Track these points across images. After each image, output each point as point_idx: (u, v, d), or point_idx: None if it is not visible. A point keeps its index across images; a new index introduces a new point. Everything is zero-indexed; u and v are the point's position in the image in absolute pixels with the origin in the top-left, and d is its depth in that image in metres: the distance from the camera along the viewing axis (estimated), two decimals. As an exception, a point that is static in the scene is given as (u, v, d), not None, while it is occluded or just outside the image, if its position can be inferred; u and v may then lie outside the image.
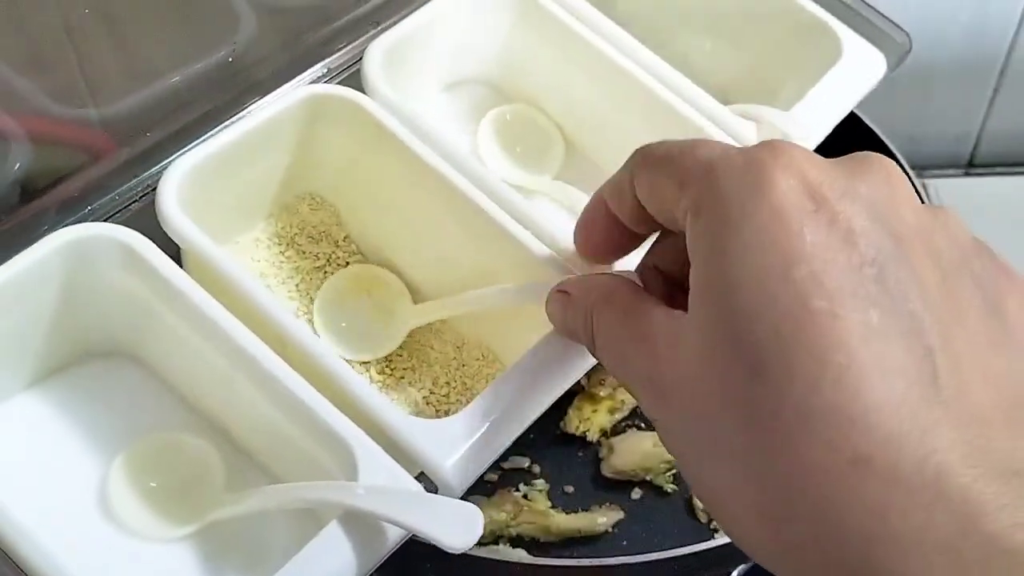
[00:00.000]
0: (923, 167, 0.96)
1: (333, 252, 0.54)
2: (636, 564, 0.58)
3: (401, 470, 0.42)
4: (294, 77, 0.55)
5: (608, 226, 0.40)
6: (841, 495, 0.27)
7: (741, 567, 0.69)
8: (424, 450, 0.42)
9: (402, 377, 0.52)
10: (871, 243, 0.29)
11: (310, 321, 0.52)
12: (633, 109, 0.56)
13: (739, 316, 0.29)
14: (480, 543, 0.64)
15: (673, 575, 0.60)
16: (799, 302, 0.28)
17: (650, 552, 0.58)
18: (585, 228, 0.43)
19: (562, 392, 0.46)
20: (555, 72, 0.58)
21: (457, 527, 0.40)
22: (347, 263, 0.54)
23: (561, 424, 0.70)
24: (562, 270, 0.47)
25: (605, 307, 0.37)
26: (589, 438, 0.69)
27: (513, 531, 0.65)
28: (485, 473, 0.68)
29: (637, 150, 0.37)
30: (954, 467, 0.26)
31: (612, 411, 0.70)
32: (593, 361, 0.45)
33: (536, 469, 0.69)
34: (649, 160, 0.36)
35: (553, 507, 0.66)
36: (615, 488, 0.68)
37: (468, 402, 0.44)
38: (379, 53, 0.53)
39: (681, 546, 0.58)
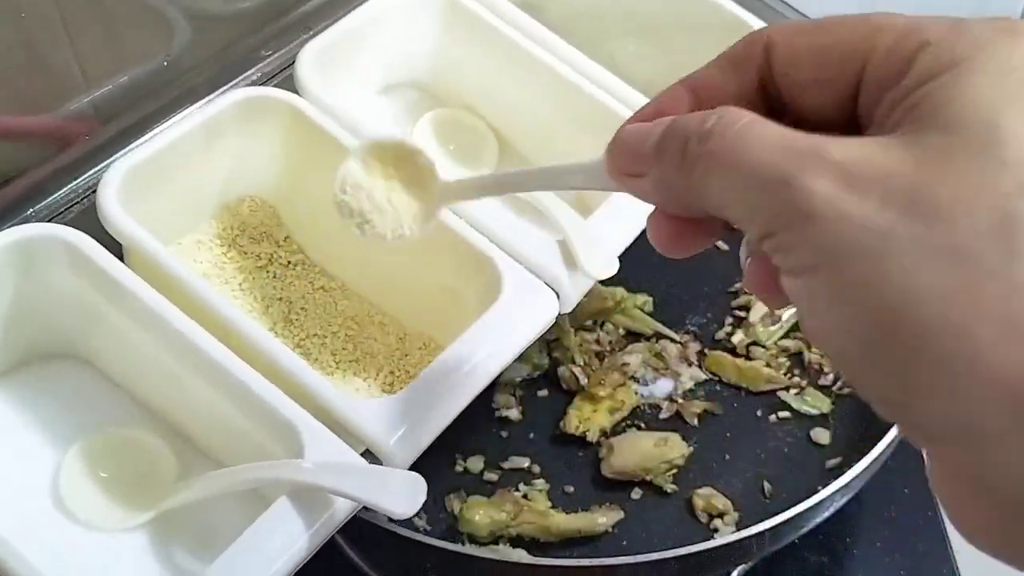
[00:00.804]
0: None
1: (275, 252, 0.55)
2: (636, 564, 0.58)
3: (346, 447, 0.43)
4: (230, 81, 0.56)
5: None
6: None
7: (740, 567, 0.69)
8: (367, 428, 0.44)
9: (347, 369, 0.52)
10: None
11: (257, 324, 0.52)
12: (561, 107, 0.57)
13: (1013, 132, 0.27)
14: (480, 543, 0.65)
15: (673, 575, 0.60)
16: None
17: (650, 552, 0.58)
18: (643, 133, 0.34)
19: (499, 369, 0.48)
20: (486, 74, 0.60)
21: (402, 495, 0.42)
22: (289, 262, 0.55)
23: (561, 424, 0.70)
24: (506, 266, 0.49)
25: (736, 111, 0.31)
26: (589, 438, 0.69)
27: (513, 531, 0.65)
28: (485, 473, 0.69)
29: (761, 31, 0.33)
30: None
31: (612, 411, 0.70)
32: (528, 340, 0.47)
33: (536, 469, 0.69)
34: (808, 28, 0.32)
35: (553, 507, 0.66)
36: (615, 488, 0.68)
37: None
38: (311, 56, 0.54)
39: (681, 546, 0.58)
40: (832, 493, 0.60)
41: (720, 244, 0.79)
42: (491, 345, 0.48)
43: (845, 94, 0.31)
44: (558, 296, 0.51)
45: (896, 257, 0.27)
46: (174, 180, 0.52)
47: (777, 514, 0.59)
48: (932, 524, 0.73)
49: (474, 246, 0.51)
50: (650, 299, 0.76)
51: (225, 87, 0.56)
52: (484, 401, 0.72)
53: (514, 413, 0.71)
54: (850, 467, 0.61)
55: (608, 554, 0.61)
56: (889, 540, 0.72)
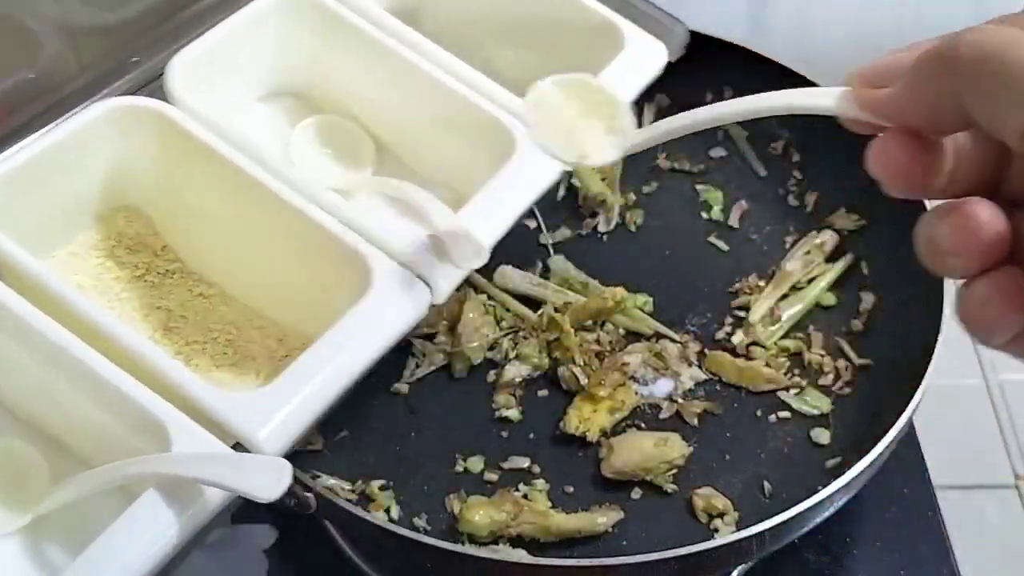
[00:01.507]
0: (923, 167, 0.96)
1: (152, 261, 0.56)
2: (636, 564, 0.58)
3: (214, 439, 0.44)
4: (100, 92, 0.56)
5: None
6: None
7: (740, 567, 0.69)
8: (235, 421, 0.45)
9: (228, 373, 0.53)
10: None
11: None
12: (434, 109, 0.59)
13: None
14: (480, 543, 0.65)
15: (673, 575, 0.60)
16: None
17: (650, 552, 0.58)
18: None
19: (370, 360, 0.49)
20: (361, 80, 0.61)
21: (265, 479, 0.43)
22: (167, 271, 0.56)
23: (561, 424, 0.70)
24: (376, 261, 0.51)
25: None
26: (589, 438, 0.69)
27: (513, 531, 0.65)
28: (485, 473, 0.69)
29: (941, 50, 0.34)
30: None
31: (612, 411, 0.70)
32: (399, 332, 0.50)
33: (536, 469, 0.69)
34: (987, 53, 0.32)
35: (553, 507, 0.66)
36: (615, 488, 0.68)
37: None
38: (180, 66, 0.55)
39: (681, 546, 0.58)
40: (832, 493, 0.60)
41: (720, 244, 0.79)
42: (361, 337, 0.49)
43: None
44: (430, 288, 0.52)
45: None
46: (45, 192, 0.52)
47: (777, 514, 0.59)
48: (932, 524, 0.73)
49: (344, 243, 0.52)
50: (650, 299, 0.76)
51: (96, 98, 0.56)
52: (484, 401, 0.72)
53: (514, 413, 0.71)
54: (850, 467, 0.61)
55: (608, 554, 0.61)
56: (889, 540, 0.72)
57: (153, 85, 0.56)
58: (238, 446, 0.45)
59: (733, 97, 0.43)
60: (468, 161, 0.59)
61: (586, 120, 0.50)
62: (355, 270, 0.51)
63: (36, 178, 0.52)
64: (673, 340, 0.74)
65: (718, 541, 0.59)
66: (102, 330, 0.46)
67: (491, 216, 0.55)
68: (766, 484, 0.68)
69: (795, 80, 0.79)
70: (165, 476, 0.43)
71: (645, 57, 0.64)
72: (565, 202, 0.83)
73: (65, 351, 0.45)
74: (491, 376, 0.73)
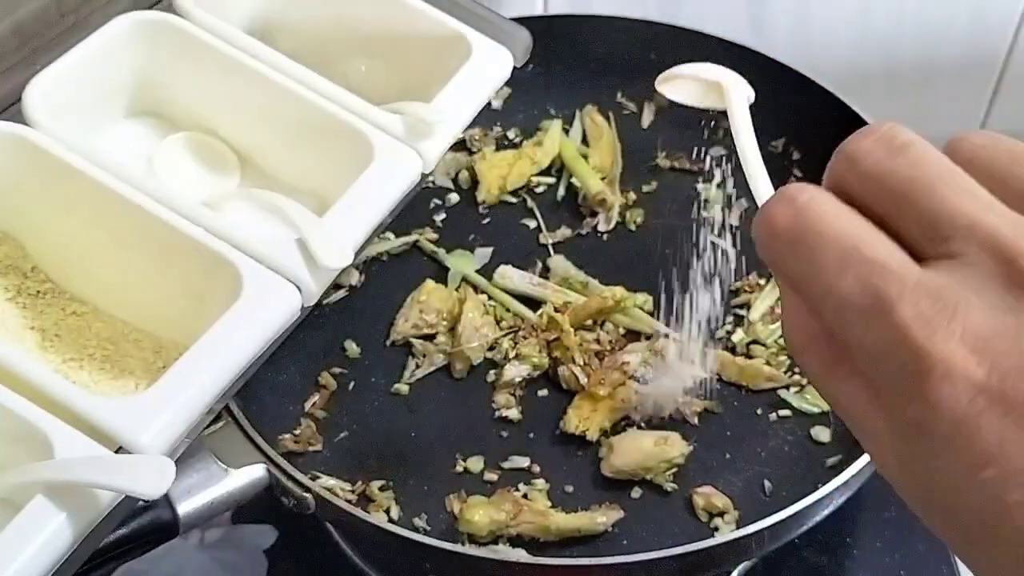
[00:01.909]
0: (923, 167, 0.96)
1: (23, 283, 0.56)
2: (636, 564, 0.58)
3: (95, 444, 0.45)
4: None
5: None
6: None
7: (740, 566, 0.69)
8: (118, 426, 0.46)
9: (107, 388, 0.53)
10: None
11: None
12: (292, 121, 0.61)
13: (942, 510, 0.31)
14: (480, 543, 0.65)
15: (673, 575, 0.60)
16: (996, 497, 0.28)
17: (650, 552, 0.58)
18: None
19: (245, 362, 0.51)
20: (220, 97, 0.63)
21: (149, 477, 0.43)
22: (38, 292, 0.56)
23: (561, 424, 0.70)
24: (245, 266, 0.52)
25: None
26: (589, 438, 0.69)
27: (513, 531, 0.65)
28: (485, 473, 0.68)
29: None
30: None
31: (612, 411, 0.70)
32: (272, 333, 0.52)
33: (536, 469, 0.69)
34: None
35: (553, 507, 0.66)
36: (615, 488, 0.68)
37: None
38: (38, 89, 0.56)
39: (681, 545, 0.58)
40: (832, 491, 0.60)
41: (722, 242, 0.79)
42: (235, 340, 0.50)
43: None
44: (300, 291, 0.53)
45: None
46: None
47: (777, 512, 0.59)
48: (932, 523, 0.73)
49: (212, 251, 0.53)
50: (650, 298, 0.76)
51: None
52: (484, 401, 0.72)
53: (514, 413, 0.71)
54: (850, 465, 0.61)
55: (608, 553, 0.61)
56: (889, 540, 0.72)
57: (12, 110, 0.57)
58: (121, 451, 0.46)
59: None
60: (329, 169, 0.60)
61: None
62: (225, 277, 0.52)
63: None
64: (674, 339, 0.74)
65: (718, 540, 0.59)
66: None
67: (354, 219, 0.57)
68: (766, 482, 0.68)
69: (795, 79, 0.79)
70: (50, 482, 0.43)
71: (492, 64, 0.66)
72: (565, 202, 0.83)
73: None
74: (491, 376, 0.73)
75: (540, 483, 0.68)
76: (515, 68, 0.68)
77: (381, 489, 0.67)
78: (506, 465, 0.69)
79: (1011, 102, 0.98)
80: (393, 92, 0.66)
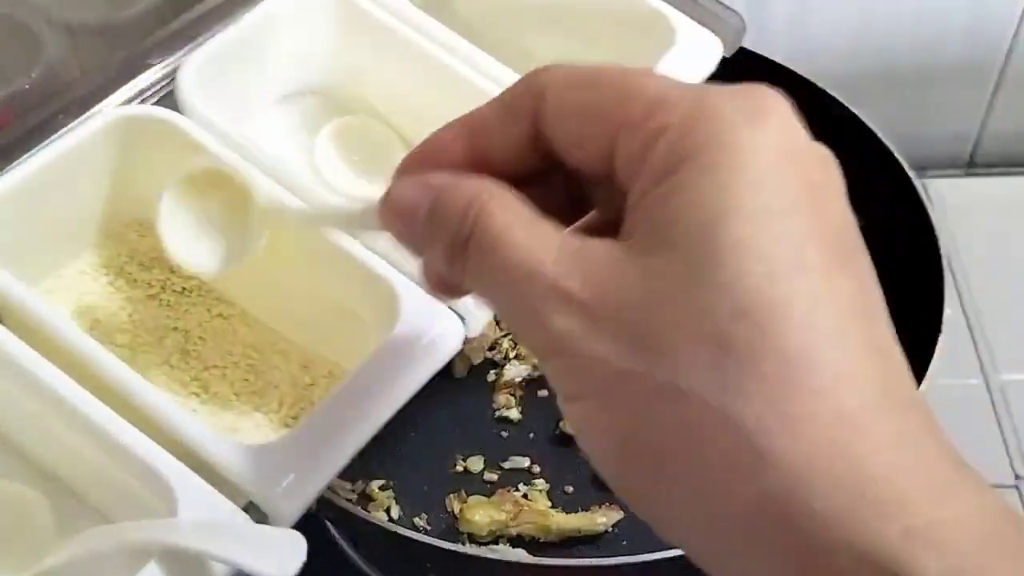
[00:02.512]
0: (923, 167, 0.96)
1: (168, 279, 0.52)
2: (636, 564, 0.58)
3: (224, 501, 0.40)
4: (106, 98, 0.52)
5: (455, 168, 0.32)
6: (824, 445, 0.26)
7: (741, 567, 0.69)
8: (248, 477, 0.41)
9: (248, 402, 0.50)
10: (840, 211, 0.30)
11: (150, 357, 0.50)
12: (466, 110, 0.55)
13: (731, 250, 0.27)
14: (480, 543, 0.65)
15: (673, 575, 0.60)
16: (796, 250, 0.27)
17: (650, 552, 0.58)
18: (415, 170, 0.33)
19: (398, 406, 0.45)
20: (388, 79, 0.57)
21: (277, 557, 0.39)
22: (184, 289, 0.52)
23: (561, 424, 0.70)
24: (404, 288, 0.47)
25: (498, 208, 0.30)
26: (589, 438, 0.69)
27: (513, 531, 0.65)
28: (485, 473, 0.69)
29: (540, 72, 0.32)
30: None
31: (612, 411, 0.70)
32: (431, 372, 0.45)
33: (536, 469, 0.69)
34: (578, 80, 0.31)
35: (553, 507, 0.66)
36: (615, 488, 0.68)
37: None
38: (193, 70, 0.51)
39: (681, 546, 0.58)
40: (832, 493, 0.60)
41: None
42: (388, 380, 0.45)
43: (608, 159, 0.30)
44: (463, 319, 0.48)
45: (631, 395, 0.28)
46: (45, 209, 0.49)
47: (777, 514, 0.59)
48: (932, 524, 0.73)
49: (368, 267, 0.48)
50: (650, 299, 0.76)
51: (101, 104, 0.52)
52: (484, 401, 0.72)
53: (514, 413, 0.71)
54: (850, 467, 0.61)
55: (608, 554, 0.61)
56: (889, 540, 0.72)
57: (163, 89, 0.53)
58: (251, 506, 0.42)
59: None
60: None
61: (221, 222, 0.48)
62: (381, 298, 0.47)
63: (39, 195, 0.48)
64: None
65: (718, 541, 0.59)
66: (105, 375, 0.43)
67: None
68: (766, 484, 0.68)
69: (794, 80, 0.79)
70: (170, 548, 0.39)
71: (698, 53, 0.59)
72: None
73: (66, 400, 0.42)
74: (491, 376, 0.73)
75: (540, 483, 0.68)
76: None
77: (381, 488, 0.67)
78: (506, 465, 0.69)
79: (1011, 102, 0.98)
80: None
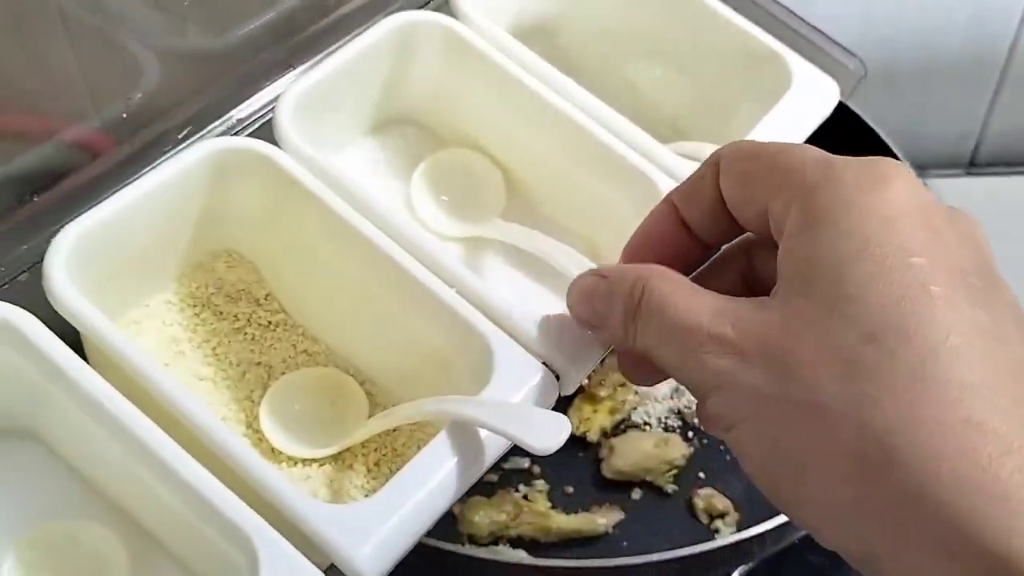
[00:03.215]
0: (923, 167, 0.96)
1: (254, 312, 0.52)
2: (636, 565, 0.58)
3: (306, 564, 0.40)
4: (204, 127, 0.52)
5: (672, 239, 0.41)
6: (951, 446, 0.29)
7: (741, 567, 0.69)
8: (330, 539, 0.40)
9: (323, 438, 0.49)
10: (968, 257, 0.34)
11: (233, 392, 0.49)
12: (571, 151, 0.54)
13: (858, 286, 0.32)
14: (480, 544, 0.65)
15: (673, 575, 0.60)
16: (919, 283, 0.31)
17: (650, 553, 0.58)
18: (642, 244, 0.42)
19: (487, 468, 0.45)
20: (488, 113, 0.56)
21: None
22: (270, 323, 0.52)
23: (561, 424, 0.70)
24: (500, 338, 0.46)
25: (660, 281, 0.37)
26: (589, 438, 0.69)
27: (513, 531, 0.65)
28: (485, 474, 0.68)
29: (721, 148, 0.38)
30: None
31: (612, 412, 0.70)
32: (502, 450, 0.45)
33: (536, 469, 0.69)
34: (743, 153, 0.37)
35: (553, 507, 0.66)
36: (615, 488, 0.68)
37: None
38: (291, 102, 0.50)
39: (681, 547, 0.58)
40: (833, 493, 0.60)
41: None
42: (476, 438, 0.44)
43: (765, 219, 0.36)
44: (558, 378, 0.48)
45: (778, 415, 0.33)
46: (137, 240, 0.48)
47: (778, 515, 0.59)
48: (933, 524, 0.73)
49: (464, 318, 0.46)
50: (650, 299, 0.76)
51: (199, 133, 0.52)
52: (484, 401, 0.72)
53: (514, 413, 0.71)
54: (851, 467, 0.61)
55: (608, 555, 0.61)
56: (890, 540, 0.72)
57: (261, 119, 0.53)
58: (332, 568, 0.41)
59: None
60: (604, 209, 0.53)
61: (321, 420, 0.49)
62: (474, 350, 0.46)
63: (132, 225, 0.47)
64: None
65: (719, 542, 0.59)
66: (191, 423, 0.42)
67: None
68: (767, 484, 0.68)
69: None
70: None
71: (813, 97, 0.57)
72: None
73: (150, 448, 0.41)
74: (491, 376, 0.73)
75: (540, 484, 0.68)
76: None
77: (381, 490, 0.67)
78: (506, 465, 0.69)
79: (1011, 102, 0.98)
80: (686, 109, 0.59)
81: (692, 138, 0.58)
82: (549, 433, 0.44)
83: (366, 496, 0.47)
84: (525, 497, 0.67)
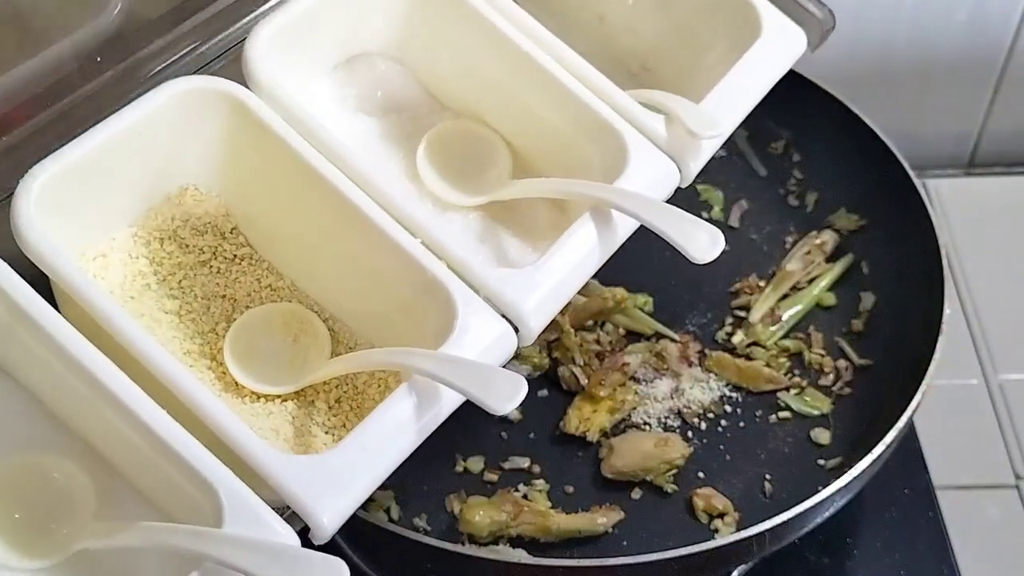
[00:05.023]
0: (923, 167, 0.96)
1: (220, 245, 0.52)
2: (636, 564, 0.58)
3: (268, 513, 0.42)
4: (173, 63, 0.52)
5: None
6: None
7: (741, 567, 0.69)
8: (290, 489, 0.42)
9: (287, 374, 0.50)
10: None
11: (198, 326, 0.50)
12: (539, 95, 0.55)
13: None
14: (480, 543, 0.65)
15: (673, 575, 0.60)
16: None
17: (650, 552, 0.58)
18: None
19: (443, 418, 0.47)
20: (466, 70, 0.57)
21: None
22: (235, 256, 0.52)
23: (561, 424, 0.70)
24: (461, 289, 0.47)
25: None
26: (589, 438, 0.69)
27: (513, 531, 0.65)
28: (485, 473, 0.68)
29: None
30: None
31: (612, 411, 0.70)
32: (457, 401, 0.47)
33: (536, 469, 0.69)
34: None
35: (553, 507, 0.66)
36: (615, 488, 0.68)
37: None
38: (262, 41, 0.50)
39: (681, 546, 0.58)
40: (832, 493, 0.60)
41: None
42: (439, 392, 0.46)
43: None
44: (517, 331, 0.49)
45: None
46: (105, 180, 0.49)
47: (777, 515, 0.59)
48: (932, 524, 0.73)
49: (427, 270, 0.48)
50: (650, 299, 0.76)
51: (167, 68, 0.51)
52: (484, 401, 0.72)
53: (514, 413, 0.71)
54: (850, 467, 0.61)
55: (608, 554, 0.61)
56: (889, 540, 0.72)
57: (231, 54, 0.52)
58: (292, 515, 0.43)
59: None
60: (579, 167, 0.54)
61: (284, 357, 0.50)
62: (437, 301, 0.48)
63: (103, 163, 0.48)
64: (673, 340, 0.74)
65: (718, 541, 0.59)
66: (157, 372, 0.43)
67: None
68: (766, 484, 0.68)
69: (794, 81, 0.79)
70: (213, 560, 0.41)
71: (781, 46, 0.58)
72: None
73: (119, 396, 0.43)
74: (491, 376, 0.73)
75: (540, 483, 0.68)
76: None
77: (381, 488, 0.67)
78: (506, 465, 0.69)
79: (1011, 102, 0.98)
80: (656, 43, 0.59)
81: (661, 75, 0.58)
82: (505, 394, 0.44)
83: (327, 432, 0.49)
84: (525, 497, 0.67)
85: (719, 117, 0.54)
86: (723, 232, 0.52)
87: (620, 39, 0.58)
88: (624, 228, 0.52)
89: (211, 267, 0.52)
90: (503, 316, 0.48)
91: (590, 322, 0.75)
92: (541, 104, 0.55)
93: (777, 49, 0.58)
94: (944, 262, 0.71)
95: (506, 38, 0.55)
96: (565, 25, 0.56)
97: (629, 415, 0.71)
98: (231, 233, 0.53)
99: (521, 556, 0.64)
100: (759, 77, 0.57)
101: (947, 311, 0.69)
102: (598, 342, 0.73)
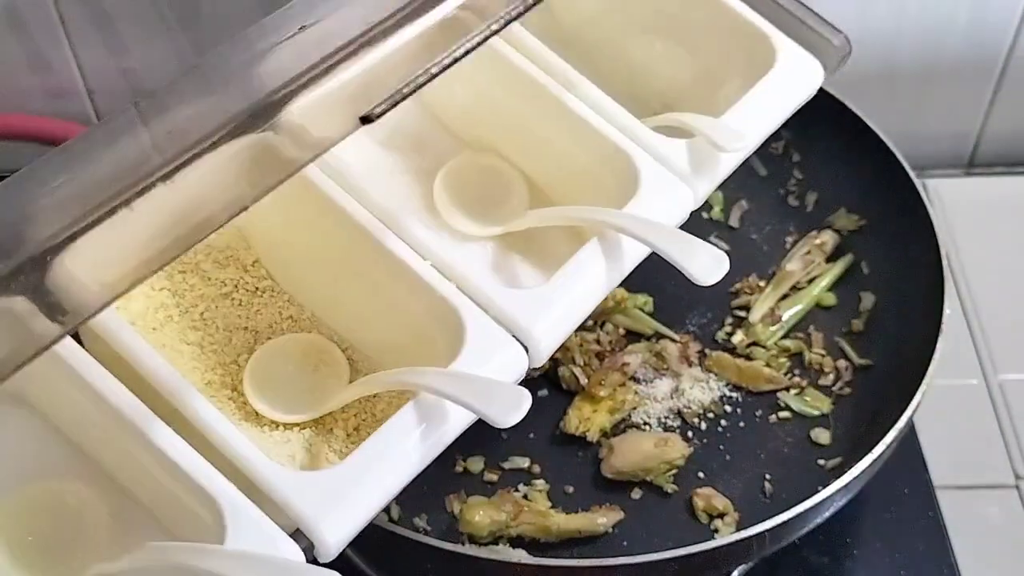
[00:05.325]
0: (923, 167, 0.96)
1: (241, 278, 0.53)
2: (636, 564, 0.58)
3: (273, 528, 0.42)
4: None
5: None
6: None
7: (740, 567, 0.69)
8: (295, 505, 0.42)
9: (304, 402, 0.50)
10: None
11: (219, 357, 0.50)
12: (554, 125, 0.56)
13: None
14: (480, 543, 0.65)
15: (672, 575, 0.60)
16: None
17: (650, 552, 0.58)
18: None
19: (454, 436, 0.46)
20: (508, 114, 0.57)
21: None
22: (256, 289, 0.53)
23: (561, 424, 0.70)
24: (472, 310, 0.48)
25: None
26: (589, 438, 0.69)
27: (513, 531, 0.65)
28: (485, 473, 0.68)
29: None
30: None
31: (612, 411, 0.70)
32: (469, 422, 0.46)
33: (536, 469, 0.69)
34: None
35: (553, 507, 0.66)
36: (615, 488, 0.68)
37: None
38: None
39: (681, 546, 0.58)
40: (832, 493, 0.60)
41: (720, 244, 0.79)
42: (446, 409, 0.46)
43: None
44: (527, 350, 0.49)
45: None
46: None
47: (777, 514, 0.59)
48: (932, 524, 0.73)
49: (437, 291, 0.49)
50: (650, 299, 0.76)
51: None
52: (484, 401, 0.72)
53: (514, 413, 0.71)
54: (850, 467, 0.61)
55: (608, 554, 0.61)
56: (889, 540, 0.72)
57: None
58: (298, 533, 0.43)
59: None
60: (593, 194, 0.55)
61: (302, 386, 0.51)
62: (449, 323, 0.48)
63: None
64: (673, 340, 0.74)
65: (718, 541, 0.59)
66: (170, 396, 0.44)
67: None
68: (766, 484, 0.68)
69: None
70: (214, 574, 0.41)
71: (796, 75, 0.59)
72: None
73: (128, 417, 0.43)
74: (491, 376, 0.73)
75: (540, 483, 0.68)
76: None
77: (381, 489, 0.67)
78: (506, 465, 0.69)
79: (1011, 102, 0.98)
80: (676, 80, 0.60)
81: (681, 111, 0.58)
82: (509, 406, 0.44)
83: (342, 459, 0.48)
84: (525, 497, 0.67)
85: (744, 130, 0.55)
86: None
87: (645, 81, 0.59)
88: (634, 252, 0.53)
89: (233, 299, 0.52)
90: (514, 337, 0.49)
91: (590, 322, 0.75)
92: (556, 134, 0.56)
93: (790, 80, 0.58)
94: (944, 262, 0.71)
95: (520, 70, 0.55)
96: (591, 71, 0.57)
97: (629, 415, 0.71)
98: (252, 266, 0.53)
99: (521, 556, 0.64)
100: (771, 106, 0.58)
101: (947, 311, 0.69)
102: (598, 342, 0.73)
